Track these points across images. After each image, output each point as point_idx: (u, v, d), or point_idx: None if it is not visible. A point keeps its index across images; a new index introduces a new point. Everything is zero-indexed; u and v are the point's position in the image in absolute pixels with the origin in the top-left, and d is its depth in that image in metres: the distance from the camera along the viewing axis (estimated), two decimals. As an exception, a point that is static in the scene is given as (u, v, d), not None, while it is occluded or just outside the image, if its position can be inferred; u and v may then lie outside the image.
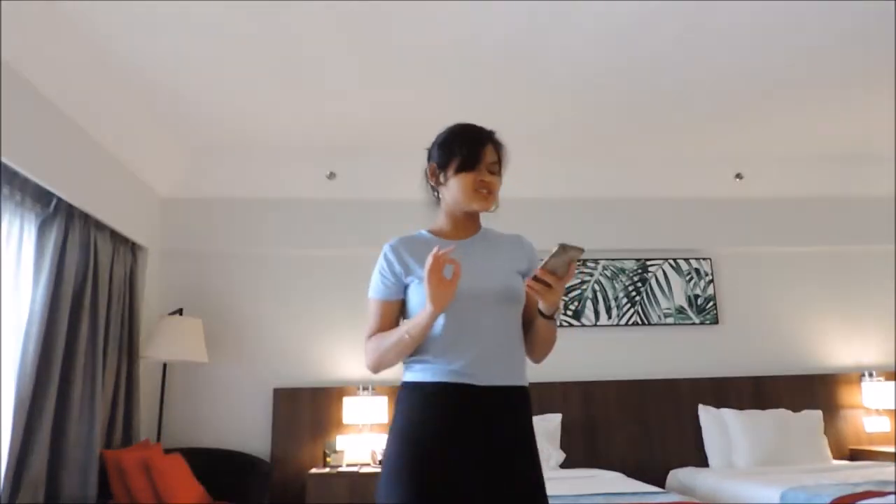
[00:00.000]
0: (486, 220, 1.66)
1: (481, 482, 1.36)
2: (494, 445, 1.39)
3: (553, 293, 1.38)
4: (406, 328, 1.43)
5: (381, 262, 1.56)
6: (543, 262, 1.35)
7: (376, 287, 1.56)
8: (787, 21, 2.84)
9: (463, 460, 1.36)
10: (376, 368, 1.53)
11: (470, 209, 1.56)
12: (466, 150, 1.53)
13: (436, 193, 1.61)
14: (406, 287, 1.53)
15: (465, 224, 1.61)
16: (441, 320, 1.45)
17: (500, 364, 1.45)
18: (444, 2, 2.65)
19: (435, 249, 1.36)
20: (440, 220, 1.62)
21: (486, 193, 1.53)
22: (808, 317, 4.58)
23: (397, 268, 1.52)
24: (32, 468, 2.70)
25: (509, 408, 1.44)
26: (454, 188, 1.53)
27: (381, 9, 2.69)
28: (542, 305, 1.45)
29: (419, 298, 1.46)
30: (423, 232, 1.62)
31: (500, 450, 1.40)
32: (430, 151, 1.62)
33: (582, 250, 1.33)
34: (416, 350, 1.48)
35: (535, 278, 1.36)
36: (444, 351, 1.44)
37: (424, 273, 1.36)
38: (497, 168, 1.57)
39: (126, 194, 3.72)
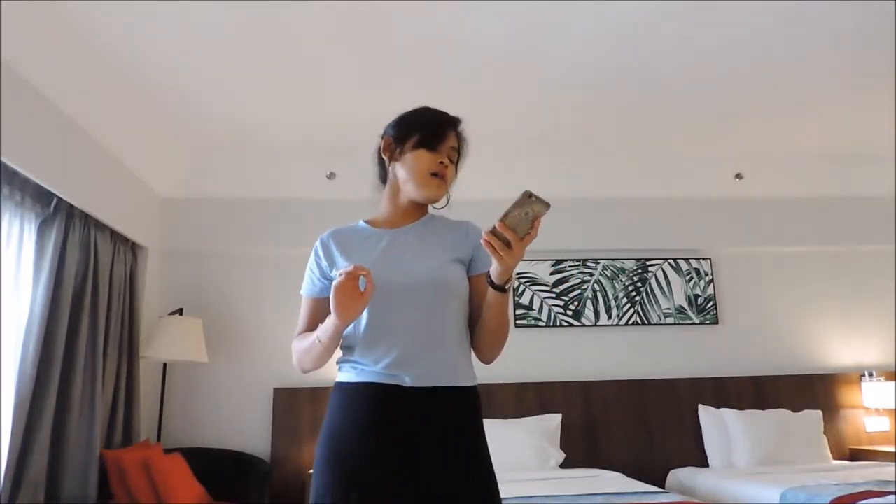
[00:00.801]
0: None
1: (406, 488, 1.24)
2: (425, 450, 1.27)
3: (511, 255, 1.19)
4: (318, 333, 1.33)
5: (312, 255, 1.47)
6: (504, 213, 1.16)
7: (305, 283, 1.47)
8: (787, 21, 2.84)
9: (384, 464, 1.26)
10: (301, 370, 1.44)
11: (418, 196, 1.42)
12: (430, 128, 1.41)
13: (384, 172, 1.49)
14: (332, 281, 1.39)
15: (408, 212, 1.47)
16: (364, 317, 1.33)
17: (430, 362, 1.31)
18: (444, 2, 2.65)
19: (346, 267, 1.24)
20: (382, 205, 1.49)
21: (440, 181, 1.40)
22: (808, 317, 4.58)
23: (323, 263, 1.43)
24: (32, 468, 2.70)
25: (442, 410, 1.30)
26: (408, 166, 1.40)
27: (381, 9, 2.68)
28: (493, 271, 1.25)
29: None
30: (361, 222, 1.50)
31: (432, 455, 1.27)
32: (385, 129, 1.51)
33: (548, 206, 1.15)
34: (343, 349, 1.39)
35: (493, 232, 1.18)
36: (367, 349, 1.33)
37: (332, 288, 1.24)
38: (455, 156, 1.45)
39: (126, 194, 3.72)
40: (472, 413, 1.36)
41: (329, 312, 1.30)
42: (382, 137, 1.50)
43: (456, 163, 1.47)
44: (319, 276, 1.45)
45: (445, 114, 1.47)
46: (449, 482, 1.27)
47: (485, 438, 1.37)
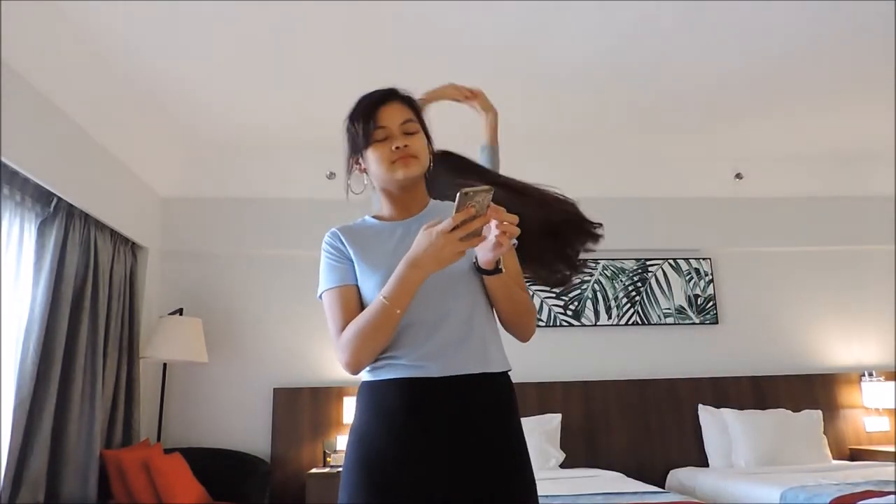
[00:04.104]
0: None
1: (439, 489, 1.20)
2: (457, 447, 1.23)
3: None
4: (381, 293, 1.22)
5: (324, 251, 1.39)
6: (453, 226, 1.13)
7: (327, 276, 1.35)
8: (787, 21, 2.84)
9: (414, 465, 1.21)
10: (358, 360, 1.26)
11: (397, 181, 1.35)
12: (364, 122, 1.36)
13: (366, 180, 1.45)
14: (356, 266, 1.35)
15: (407, 201, 1.42)
16: None
17: (459, 350, 1.26)
18: (444, 2, 2.65)
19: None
20: (381, 203, 1.45)
21: (408, 157, 1.33)
22: (808, 317, 4.58)
23: (344, 250, 1.37)
24: (32, 468, 2.71)
25: (472, 398, 1.26)
26: (373, 165, 1.36)
27: (381, 9, 2.68)
28: (481, 258, 1.24)
29: (368, 286, 1.31)
30: (368, 218, 1.45)
31: (465, 451, 1.23)
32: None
33: (492, 189, 1.10)
34: None
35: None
36: (394, 343, 1.27)
37: (446, 224, 1.13)
38: (414, 126, 1.37)
39: (126, 194, 3.72)
40: (505, 399, 1.31)
41: (362, 304, 1.30)
42: (347, 154, 1.48)
43: (424, 129, 1.40)
44: (346, 261, 1.36)
45: (373, 94, 1.40)
46: (484, 481, 1.22)
47: (520, 426, 1.32)
